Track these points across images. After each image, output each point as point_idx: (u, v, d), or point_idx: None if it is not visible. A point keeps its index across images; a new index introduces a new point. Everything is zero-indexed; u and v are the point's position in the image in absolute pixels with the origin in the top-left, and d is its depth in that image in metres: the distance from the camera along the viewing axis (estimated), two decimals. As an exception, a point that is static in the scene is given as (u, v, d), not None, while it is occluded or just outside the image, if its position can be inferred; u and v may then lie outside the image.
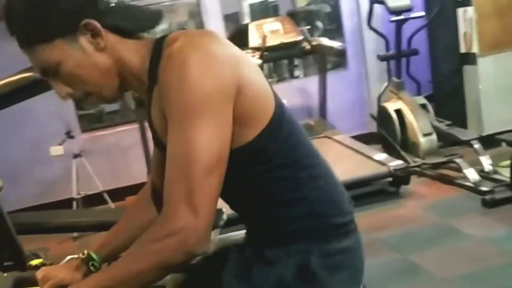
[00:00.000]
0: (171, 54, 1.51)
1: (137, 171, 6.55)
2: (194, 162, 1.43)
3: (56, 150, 6.56)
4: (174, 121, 1.48)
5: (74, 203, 6.24)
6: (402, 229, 4.93)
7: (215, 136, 1.46)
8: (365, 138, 6.95)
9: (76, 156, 6.31)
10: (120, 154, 7.03)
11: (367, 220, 5.22)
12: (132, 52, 1.62)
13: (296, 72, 7.83)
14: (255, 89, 1.58)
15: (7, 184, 6.59)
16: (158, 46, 1.60)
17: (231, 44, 1.63)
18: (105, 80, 1.62)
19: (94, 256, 1.86)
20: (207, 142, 1.45)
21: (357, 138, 6.83)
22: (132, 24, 1.62)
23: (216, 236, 2.54)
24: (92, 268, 1.85)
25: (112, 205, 6.47)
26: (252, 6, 7.60)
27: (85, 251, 1.90)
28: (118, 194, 6.53)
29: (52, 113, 6.49)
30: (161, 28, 1.71)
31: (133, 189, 5.92)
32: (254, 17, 7.37)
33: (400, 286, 4.01)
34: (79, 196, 6.28)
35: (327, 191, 1.73)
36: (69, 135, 6.33)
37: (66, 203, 6.33)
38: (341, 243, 1.71)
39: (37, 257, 3.07)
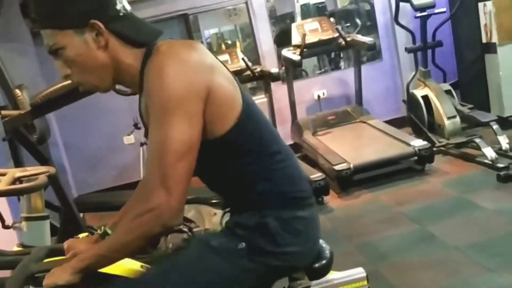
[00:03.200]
0: (153, 61, 1.60)
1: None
2: (167, 151, 1.53)
3: (128, 139, 6.77)
4: (154, 116, 1.57)
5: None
6: (424, 203, 4.87)
7: (186, 129, 1.54)
8: (398, 122, 6.90)
9: (142, 144, 6.45)
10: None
11: (393, 195, 5.21)
12: (129, 56, 1.69)
13: (340, 64, 7.79)
14: (223, 92, 1.65)
15: (87, 169, 6.86)
16: (149, 51, 1.67)
17: (208, 53, 1.70)
18: (98, 73, 1.69)
19: (108, 231, 1.95)
20: (179, 134, 1.53)
21: (391, 122, 6.78)
22: (134, 35, 1.69)
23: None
24: None
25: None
26: (303, 6, 7.59)
27: (102, 227, 1.98)
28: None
29: (123, 109, 6.64)
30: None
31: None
32: (304, 17, 7.38)
33: (416, 254, 3.98)
34: (145, 179, 6.42)
35: (288, 172, 1.79)
36: (136, 126, 6.46)
37: (137, 185, 6.47)
38: (296, 213, 1.76)
39: (90, 231, 3.19)
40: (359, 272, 1.90)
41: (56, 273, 1.62)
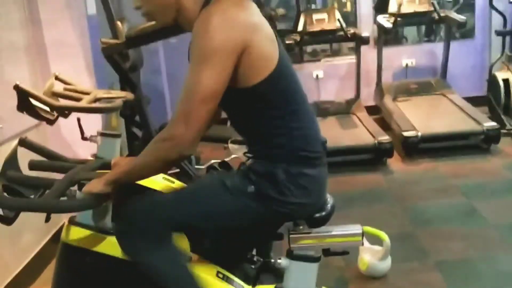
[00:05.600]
0: (205, 12, 1.71)
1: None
2: (194, 93, 1.65)
3: None
4: (192, 60, 1.69)
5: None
6: (479, 179, 4.77)
7: (213, 77, 1.65)
8: (478, 100, 6.61)
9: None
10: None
11: (452, 167, 5.13)
12: (190, 1, 1.80)
13: (434, 37, 7.54)
14: (259, 51, 1.72)
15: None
16: (207, 2, 1.77)
17: (255, 13, 1.78)
18: (162, 9, 1.82)
19: None
20: (207, 79, 1.64)
21: (471, 99, 6.49)
22: None
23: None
24: None
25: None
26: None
27: None
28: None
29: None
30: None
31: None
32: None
33: (455, 225, 3.95)
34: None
35: (305, 132, 1.86)
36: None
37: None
38: (303, 169, 1.83)
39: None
40: (356, 228, 1.96)
41: (93, 182, 1.79)
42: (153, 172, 1.83)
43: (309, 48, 7.51)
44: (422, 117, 5.92)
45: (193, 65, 1.67)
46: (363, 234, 1.94)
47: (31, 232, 3.48)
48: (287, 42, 6.25)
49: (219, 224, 1.89)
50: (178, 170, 3.84)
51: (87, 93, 2.81)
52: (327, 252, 1.97)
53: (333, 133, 5.86)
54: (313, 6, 7.63)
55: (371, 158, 5.36)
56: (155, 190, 1.96)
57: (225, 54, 1.66)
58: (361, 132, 5.67)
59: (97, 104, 2.70)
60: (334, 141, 5.54)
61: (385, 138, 5.30)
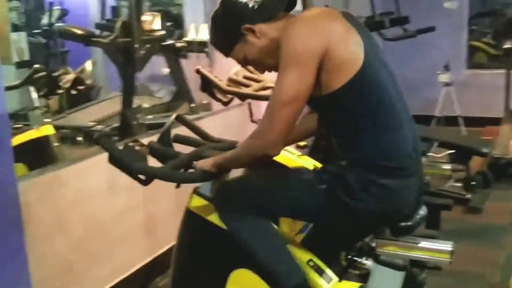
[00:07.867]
0: (289, 26, 1.73)
1: (498, 106, 6.12)
2: (277, 96, 1.69)
3: (443, 77, 6.49)
4: (279, 68, 1.71)
5: (435, 120, 6.34)
6: None
7: (296, 82, 1.66)
8: None
9: (446, 84, 6.26)
10: (490, 90, 6.60)
11: None
12: (278, 30, 1.80)
13: None
14: (340, 56, 1.67)
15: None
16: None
17: (339, 20, 1.73)
18: (272, 54, 1.81)
19: None
20: (288, 84, 1.66)
21: None
22: (273, 13, 1.82)
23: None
24: None
25: (463, 128, 6.32)
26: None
27: None
28: (474, 121, 6.36)
29: (446, 48, 6.51)
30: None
31: (491, 120, 5.73)
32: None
33: None
34: (440, 115, 6.32)
35: (386, 142, 1.74)
36: (446, 68, 6.27)
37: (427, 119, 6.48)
38: (377, 179, 1.72)
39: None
40: (447, 245, 1.79)
41: (206, 161, 1.90)
42: (243, 164, 1.92)
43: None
44: None
45: (279, 73, 1.70)
46: (452, 252, 1.77)
47: (166, 229, 3.40)
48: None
49: (301, 217, 1.95)
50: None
51: (258, 81, 2.95)
52: (414, 263, 1.86)
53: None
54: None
55: None
56: (257, 177, 2.02)
57: (306, 59, 1.65)
58: None
59: (259, 92, 2.83)
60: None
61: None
